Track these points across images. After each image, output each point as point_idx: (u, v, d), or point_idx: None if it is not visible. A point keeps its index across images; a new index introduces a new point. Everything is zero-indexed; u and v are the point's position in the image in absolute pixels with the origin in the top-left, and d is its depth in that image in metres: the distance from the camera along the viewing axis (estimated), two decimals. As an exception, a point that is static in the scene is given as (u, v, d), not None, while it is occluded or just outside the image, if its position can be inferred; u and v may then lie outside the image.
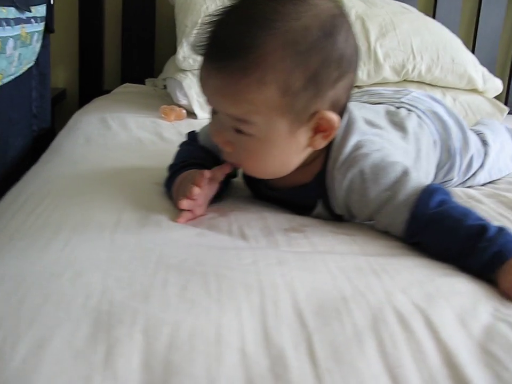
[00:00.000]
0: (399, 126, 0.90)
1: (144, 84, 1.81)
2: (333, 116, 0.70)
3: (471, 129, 1.10)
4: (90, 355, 0.45)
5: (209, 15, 0.70)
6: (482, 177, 1.06)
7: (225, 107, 0.69)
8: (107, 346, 0.46)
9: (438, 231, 0.68)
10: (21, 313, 0.50)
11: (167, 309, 0.51)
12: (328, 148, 0.76)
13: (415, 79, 1.59)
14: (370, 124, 0.84)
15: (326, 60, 0.68)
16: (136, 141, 1.17)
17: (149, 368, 0.44)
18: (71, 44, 1.83)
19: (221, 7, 0.70)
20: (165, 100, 1.53)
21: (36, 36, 1.17)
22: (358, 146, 0.76)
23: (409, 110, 0.96)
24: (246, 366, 0.44)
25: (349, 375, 0.44)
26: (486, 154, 1.06)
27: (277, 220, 0.76)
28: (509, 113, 1.69)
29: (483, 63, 1.70)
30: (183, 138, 1.15)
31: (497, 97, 1.70)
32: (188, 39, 1.46)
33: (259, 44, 0.65)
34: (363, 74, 1.54)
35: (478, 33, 2.00)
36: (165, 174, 0.86)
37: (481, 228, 0.66)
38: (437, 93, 1.58)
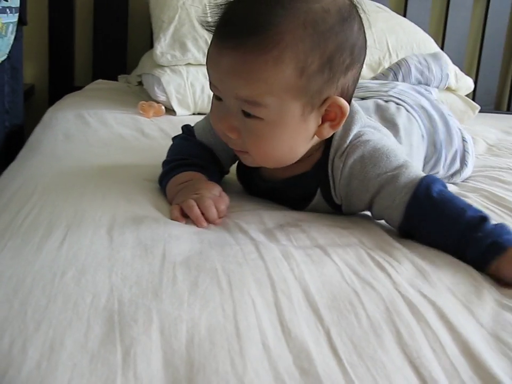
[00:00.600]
0: (390, 122, 0.91)
1: (116, 80, 1.77)
2: (345, 103, 0.70)
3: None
4: (107, 356, 0.43)
5: None
6: (465, 175, 1.08)
7: (238, 87, 0.67)
8: (124, 347, 0.44)
9: (438, 217, 0.69)
10: (26, 315, 0.48)
11: (181, 306, 0.49)
12: (329, 138, 0.76)
13: (390, 77, 1.61)
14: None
15: (341, 45, 0.68)
16: (118, 137, 1.14)
17: (171, 367, 0.42)
18: (40, 38, 1.78)
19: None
20: (140, 97, 1.50)
21: (10, 27, 1.13)
22: (359, 135, 0.76)
23: (397, 104, 0.97)
24: (270, 360, 0.44)
25: (374, 369, 0.44)
26: (466, 151, 1.07)
27: (271, 215, 0.76)
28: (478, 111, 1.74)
29: (452, 62, 1.73)
30: (165, 135, 1.13)
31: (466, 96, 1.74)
32: (165, 34, 1.43)
33: (279, 21, 0.65)
34: (339, 71, 1.54)
35: (446, 32, 2.04)
36: (154, 170, 0.84)
37: (481, 219, 0.67)
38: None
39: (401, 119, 0.93)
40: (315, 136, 0.73)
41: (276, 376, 0.42)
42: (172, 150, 0.85)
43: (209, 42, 0.71)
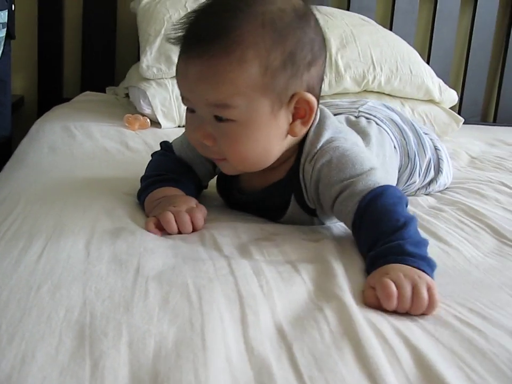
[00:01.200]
0: (362, 133, 0.93)
1: (104, 92, 1.79)
2: (312, 97, 0.73)
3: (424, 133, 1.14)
4: (76, 370, 0.45)
5: (188, 12, 0.73)
6: (442, 182, 1.10)
7: (206, 93, 0.70)
8: (93, 360, 0.46)
9: (363, 228, 0.70)
10: (0, 328, 0.49)
11: (151, 321, 0.51)
12: (302, 144, 0.79)
13: (375, 90, 1.63)
14: None
15: (300, 40, 0.72)
16: (102, 150, 1.16)
17: (137, 380, 0.44)
18: (29, 50, 1.80)
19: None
20: (127, 109, 1.52)
21: (-3, 42, 1.15)
22: (330, 141, 0.78)
23: (367, 118, 1.00)
24: (232, 374, 0.45)
25: (333, 381, 0.45)
26: (440, 159, 1.10)
27: (248, 229, 0.78)
28: (463, 123, 1.76)
29: (438, 74, 1.76)
30: (149, 148, 1.15)
31: (451, 108, 1.76)
32: (151, 47, 1.46)
33: (239, 24, 0.68)
34: (324, 84, 1.55)
35: (432, 45, 2.07)
36: (135, 184, 0.86)
37: (398, 229, 0.66)
38: (396, 104, 1.63)
39: (373, 131, 0.95)
40: (288, 135, 0.75)
41: (236, 389, 0.44)
42: (150, 166, 0.88)
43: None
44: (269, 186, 0.82)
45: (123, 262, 0.62)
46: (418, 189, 1.08)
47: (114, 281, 0.58)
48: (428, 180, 1.07)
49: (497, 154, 1.50)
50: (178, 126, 1.44)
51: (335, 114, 1.02)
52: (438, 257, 0.75)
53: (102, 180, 0.92)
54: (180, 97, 0.76)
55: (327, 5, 1.90)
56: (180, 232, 0.73)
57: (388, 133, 0.99)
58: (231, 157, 0.75)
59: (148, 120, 1.40)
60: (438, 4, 2.03)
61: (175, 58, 1.42)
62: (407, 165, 1.01)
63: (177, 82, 0.74)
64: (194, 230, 0.74)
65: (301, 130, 0.76)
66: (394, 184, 0.98)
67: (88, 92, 1.76)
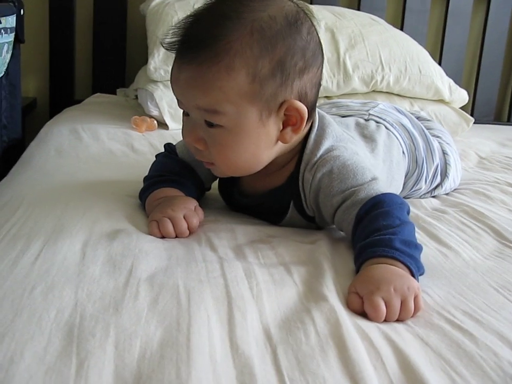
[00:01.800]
0: (369, 138, 0.93)
1: (115, 93, 1.81)
2: (301, 105, 0.73)
3: (434, 135, 1.13)
4: (62, 369, 0.46)
5: (182, 18, 0.73)
6: (448, 187, 1.09)
7: (196, 99, 0.71)
8: (79, 360, 0.47)
9: (361, 231, 0.70)
10: (-8, 328, 0.50)
11: (138, 322, 0.52)
12: (302, 151, 0.79)
13: (384, 90, 1.63)
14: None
15: (290, 48, 0.71)
16: (107, 153, 1.17)
17: (121, 380, 0.45)
18: (41, 52, 1.83)
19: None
20: (137, 110, 1.54)
21: (5, 47, 1.17)
22: (330, 150, 0.78)
23: (377, 122, 0.99)
24: (215, 373, 0.46)
25: (313, 383, 0.46)
26: (447, 164, 1.09)
27: (245, 231, 0.78)
28: (475, 123, 1.74)
29: (450, 74, 1.74)
30: (154, 150, 1.16)
31: (464, 107, 1.75)
32: (158, 49, 1.47)
33: (227, 32, 0.69)
34: (333, 85, 1.57)
35: (444, 44, 2.05)
36: (137, 186, 0.87)
37: (386, 228, 0.66)
38: (405, 103, 1.62)
39: (381, 136, 0.95)
40: (279, 141, 0.76)
41: (217, 389, 0.44)
42: (153, 167, 0.89)
43: None
44: (269, 191, 0.82)
45: (117, 264, 0.63)
46: (424, 194, 1.07)
47: (106, 283, 0.59)
48: (433, 185, 1.07)
49: (507, 155, 1.48)
50: (186, 128, 1.45)
51: (344, 116, 1.03)
52: (435, 259, 0.75)
53: (105, 182, 0.94)
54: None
55: (338, 5, 1.90)
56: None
57: (397, 138, 0.98)
58: (219, 162, 0.76)
59: (155, 122, 1.42)
60: (450, 3, 2.01)
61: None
62: (415, 171, 1.01)
63: (171, 86, 0.75)
64: (189, 232, 0.76)
65: (291, 137, 0.76)
66: (399, 190, 0.98)
67: (99, 94, 1.78)
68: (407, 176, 1.00)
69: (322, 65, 0.77)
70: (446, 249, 0.79)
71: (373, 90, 1.62)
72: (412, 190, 1.03)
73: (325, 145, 0.79)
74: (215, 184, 0.92)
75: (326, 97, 1.60)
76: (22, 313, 0.53)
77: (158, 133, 1.37)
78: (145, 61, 1.70)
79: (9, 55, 1.22)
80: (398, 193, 0.97)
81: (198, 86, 0.70)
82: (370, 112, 1.03)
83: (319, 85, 0.78)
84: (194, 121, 0.74)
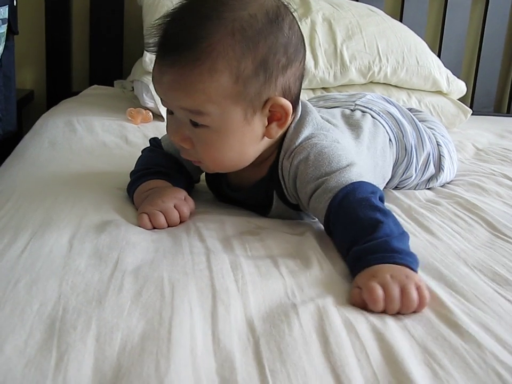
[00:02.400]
0: (354, 126, 0.92)
1: (113, 85, 1.80)
2: (286, 102, 0.73)
3: (427, 127, 1.12)
4: (42, 362, 0.45)
5: (161, 16, 0.72)
6: (443, 179, 1.09)
7: (180, 101, 0.71)
8: (59, 353, 0.46)
9: (343, 224, 0.69)
10: (-25, 321, 0.50)
11: (121, 315, 0.52)
12: (282, 140, 0.78)
13: (381, 81, 1.62)
14: (327, 121, 0.86)
15: (273, 46, 0.71)
16: (101, 145, 1.17)
17: (100, 373, 0.45)
18: (38, 45, 1.82)
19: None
20: (133, 103, 1.53)
21: (-2, 39, 1.17)
22: (309, 137, 0.78)
23: (363, 111, 0.99)
24: (194, 366, 0.46)
25: (294, 375, 0.45)
26: (441, 155, 1.08)
27: (234, 223, 0.78)
28: (475, 114, 1.73)
29: (449, 65, 1.73)
30: (148, 141, 1.15)
31: (463, 98, 1.74)
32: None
33: (208, 33, 0.68)
34: (329, 76, 1.56)
35: (444, 35, 2.04)
36: (127, 178, 0.87)
37: (373, 230, 0.65)
38: (403, 95, 1.61)
39: (366, 124, 0.94)
40: (265, 137, 0.75)
41: (196, 382, 0.44)
42: (139, 161, 0.89)
43: None
44: (255, 182, 0.82)
45: (103, 256, 0.63)
46: (418, 184, 1.07)
47: (91, 276, 0.59)
48: (426, 175, 1.06)
49: (505, 146, 1.47)
50: (181, 120, 1.44)
51: (331, 107, 1.02)
52: (426, 251, 0.74)
53: (96, 175, 0.93)
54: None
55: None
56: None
57: (383, 126, 0.98)
58: (206, 161, 0.76)
59: (151, 113, 1.41)
60: (449, -7, 2.00)
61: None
62: (404, 158, 1.00)
63: (153, 85, 0.75)
64: (180, 221, 0.76)
65: (277, 132, 0.76)
66: (386, 177, 0.97)
67: (96, 86, 1.78)
68: (397, 164, 1.00)
69: (305, 58, 0.77)
70: (437, 240, 0.79)
71: (370, 82, 1.62)
72: (402, 178, 1.02)
73: (305, 133, 0.78)
74: (204, 176, 0.92)
75: (323, 88, 1.60)
76: (4, 306, 0.52)
77: (153, 125, 1.36)
78: (142, 52, 1.70)
79: (2, 47, 1.22)
80: (385, 180, 0.98)
81: (181, 89, 0.70)
82: (357, 102, 1.03)
83: (303, 76, 0.77)
84: (180, 120, 0.74)
